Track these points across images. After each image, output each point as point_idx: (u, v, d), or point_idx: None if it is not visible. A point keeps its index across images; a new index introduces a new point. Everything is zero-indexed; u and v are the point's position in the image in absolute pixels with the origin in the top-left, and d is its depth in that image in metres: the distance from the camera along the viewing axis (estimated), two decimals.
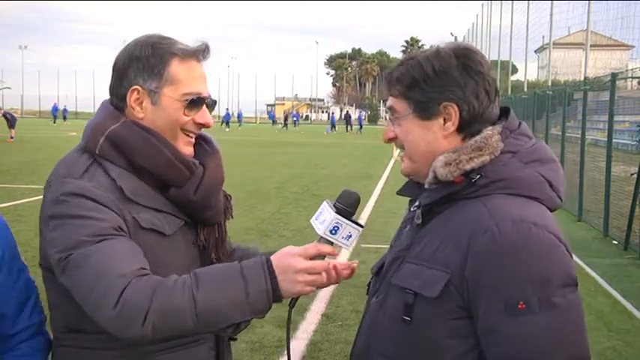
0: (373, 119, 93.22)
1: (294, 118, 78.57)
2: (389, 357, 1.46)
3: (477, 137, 1.44)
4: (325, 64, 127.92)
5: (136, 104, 1.64)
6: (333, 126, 60.18)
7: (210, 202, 1.70)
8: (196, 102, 1.65)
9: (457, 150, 1.44)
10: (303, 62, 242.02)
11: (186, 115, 1.65)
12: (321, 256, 1.52)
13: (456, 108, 1.44)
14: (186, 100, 1.63)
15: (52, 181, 1.61)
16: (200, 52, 1.68)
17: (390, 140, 1.55)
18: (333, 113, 69.48)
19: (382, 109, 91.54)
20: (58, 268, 1.53)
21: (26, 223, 9.94)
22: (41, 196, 1.66)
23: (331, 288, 6.67)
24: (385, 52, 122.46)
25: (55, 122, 64.38)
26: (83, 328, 1.60)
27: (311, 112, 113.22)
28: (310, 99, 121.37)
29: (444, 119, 1.46)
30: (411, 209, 1.54)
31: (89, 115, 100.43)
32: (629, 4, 12.89)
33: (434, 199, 1.45)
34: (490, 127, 1.46)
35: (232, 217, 1.84)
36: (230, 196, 1.85)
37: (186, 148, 1.69)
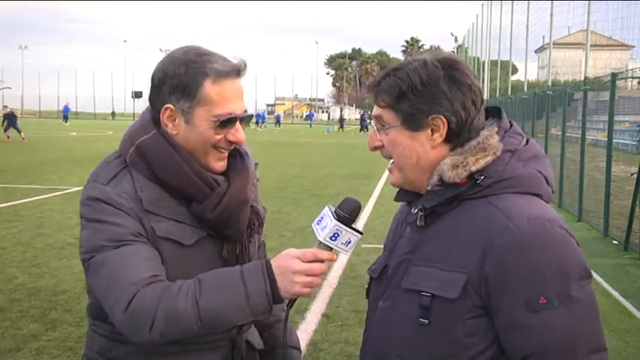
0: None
1: (310, 119, 78.32)
2: (405, 359, 1.48)
3: (479, 139, 1.46)
4: (325, 64, 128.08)
5: (168, 121, 1.68)
6: (365, 127, 56.52)
7: (229, 220, 1.71)
8: (228, 122, 1.67)
9: (462, 152, 1.46)
10: (303, 62, 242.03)
11: (217, 134, 1.67)
12: (319, 260, 1.55)
13: (444, 120, 1.46)
14: (217, 120, 1.65)
15: (87, 182, 1.73)
16: (234, 71, 1.67)
17: (375, 149, 1.56)
18: (364, 113, 67.17)
19: None
20: (84, 267, 1.67)
21: (26, 223, 9.96)
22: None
23: (331, 288, 6.67)
24: (385, 52, 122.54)
25: (67, 122, 64.17)
26: (105, 317, 1.66)
27: (311, 112, 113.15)
28: (310, 99, 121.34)
29: (432, 130, 1.47)
30: (412, 211, 1.54)
31: (89, 115, 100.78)
32: (629, 4, 12.88)
33: (438, 201, 1.47)
34: (486, 129, 1.48)
35: (259, 234, 1.84)
36: (260, 211, 1.86)
37: (218, 164, 1.71)
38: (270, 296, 1.53)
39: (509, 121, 1.54)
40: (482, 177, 1.43)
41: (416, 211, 1.52)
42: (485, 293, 1.38)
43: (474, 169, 1.43)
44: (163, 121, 1.68)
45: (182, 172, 1.65)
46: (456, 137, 1.47)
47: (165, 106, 1.66)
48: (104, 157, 1.78)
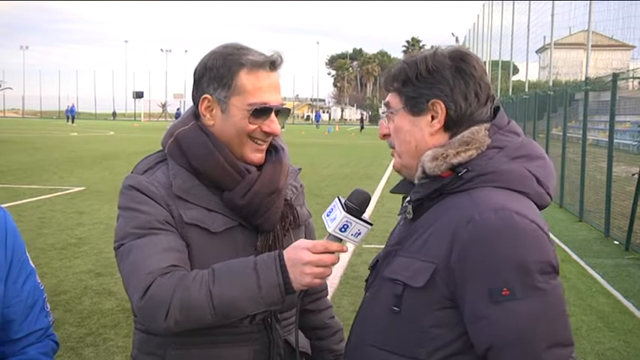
0: (374, 119, 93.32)
1: (317, 119, 78.19)
2: (379, 347, 1.50)
3: (465, 132, 1.47)
4: (326, 64, 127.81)
5: (206, 112, 1.74)
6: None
7: (259, 208, 1.73)
8: (262, 111, 1.71)
9: (445, 145, 1.48)
10: (305, 62, 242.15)
11: (252, 124, 1.71)
12: (329, 251, 1.57)
13: (443, 106, 1.48)
14: (251, 109, 1.69)
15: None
16: (268, 63, 1.71)
17: (384, 137, 1.59)
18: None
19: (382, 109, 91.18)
20: (116, 257, 1.70)
21: (27, 223, 9.96)
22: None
23: (332, 288, 6.67)
24: (386, 53, 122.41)
25: (73, 122, 64.55)
26: None
27: (312, 112, 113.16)
28: (311, 99, 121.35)
29: (432, 117, 1.50)
30: (403, 204, 1.58)
31: (90, 115, 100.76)
32: (630, 4, 12.88)
33: (423, 193, 1.50)
34: (477, 124, 1.49)
35: (293, 228, 1.85)
36: (295, 207, 1.87)
37: (255, 155, 1.75)
38: (283, 287, 1.55)
39: (508, 120, 1.54)
40: (464, 170, 1.44)
41: (405, 204, 1.56)
42: (452, 284, 1.39)
43: (454, 161, 1.44)
44: (202, 111, 1.74)
45: (214, 160, 1.70)
46: (455, 126, 1.49)
47: (204, 96, 1.73)
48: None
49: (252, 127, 1.71)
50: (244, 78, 1.69)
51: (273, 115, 1.72)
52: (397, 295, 1.45)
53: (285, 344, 1.81)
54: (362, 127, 61.48)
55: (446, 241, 1.39)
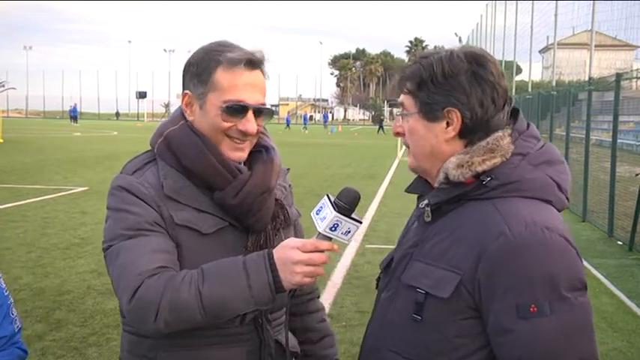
0: (376, 119, 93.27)
1: (325, 120, 78.04)
2: (399, 353, 1.48)
3: (489, 139, 1.44)
4: (329, 64, 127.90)
5: (187, 107, 1.74)
6: None
7: (251, 208, 1.72)
8: (235, 109, 1.68)
9: (469, 152, 1.44)
10: (307, 62, 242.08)
11: (225, 121, 1.69)
12: (319, 250, 1.56)
13: (459, 114, 1.44)
14: (224, 106, 1.68)
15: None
16: (244, 60, 1.68)
17: (397, 134, 1.58)
18: None
19: (386, 109, 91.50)
20: (104, 258, 1.68)
21: (31, 223, 9.98)
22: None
23: (335, 288, 6.67)
24: (389, 53, 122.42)
25: (77, 122, 64.97)
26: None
27: (315, 112, 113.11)
28: (314, 99, 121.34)
29: (447, 123, 1.46)
30: (420, 206, 1.55)
31: (94, 115, 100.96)
32: (633, 4, 12.87)
33: (443, 199, 1.47)
34: (500, 130, 1.46)
35: (284, 228, 1.84)
36: (286, 207, 1.86)
37: (233, 153, 1.73)
38: (273, 286, 1.54)
39: (527, 124, 1.51)
40: (489, 178, 1.41)
41: (423, 206, 1.52)
42: (477, 296, 1.37)
43: (479, 169, 1.41)
44: (183, 106, 1.74)
45: (206, 160, 1.68)
46: (471, 133, 1.45)
47: (185, 91, 1.74)
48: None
49: (227, 124, 1.68)
50: (220, 75, 1.67)
51: (250, 114, 1.69)
52: (418, 303, 1.43)
53: (276, 344, 1.81)
54: (381, 128, 56.04)
55: (472, 252, 1.37)
